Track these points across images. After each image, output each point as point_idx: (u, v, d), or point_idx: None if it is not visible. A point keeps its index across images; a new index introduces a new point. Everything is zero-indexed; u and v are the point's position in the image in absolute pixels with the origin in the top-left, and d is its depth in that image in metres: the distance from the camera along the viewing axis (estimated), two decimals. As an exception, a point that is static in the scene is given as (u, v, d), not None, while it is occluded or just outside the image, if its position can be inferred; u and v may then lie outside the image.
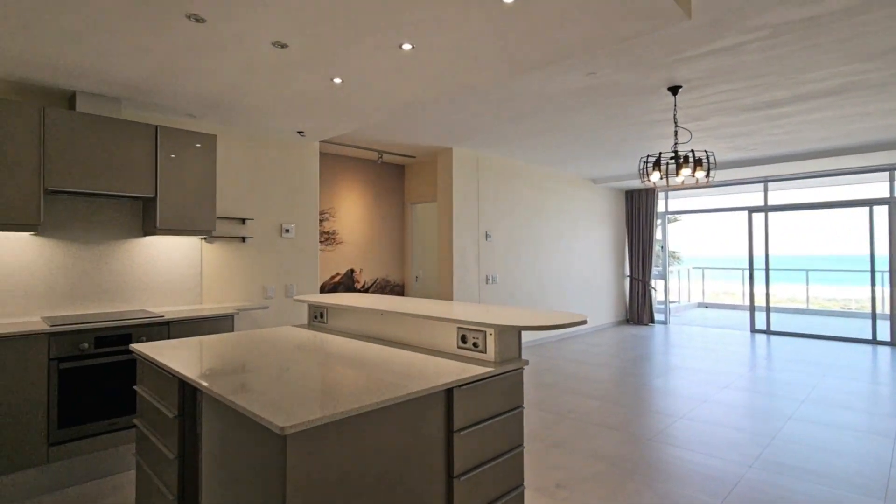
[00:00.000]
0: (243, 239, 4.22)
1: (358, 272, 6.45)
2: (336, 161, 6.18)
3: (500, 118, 4.43)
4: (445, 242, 5.94)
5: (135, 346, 2.19)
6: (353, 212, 6.37)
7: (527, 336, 6.92)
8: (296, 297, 2.98)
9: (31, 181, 2.88)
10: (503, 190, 6.54)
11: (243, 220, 4.23)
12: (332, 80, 3.08)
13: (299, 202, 4.65)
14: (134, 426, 2.98)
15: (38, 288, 3.18)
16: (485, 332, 2.06)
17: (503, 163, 6.53)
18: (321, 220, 6.00)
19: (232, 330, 3.52)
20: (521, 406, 2.07)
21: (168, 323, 3.22)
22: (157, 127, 3.38)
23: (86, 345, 2.88)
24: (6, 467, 2.60)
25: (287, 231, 4.53)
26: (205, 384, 1.60)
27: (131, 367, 3.04)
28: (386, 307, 2.47)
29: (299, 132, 4.34)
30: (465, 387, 1.80)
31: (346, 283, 6.30)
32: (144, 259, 3.64)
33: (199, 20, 2.28)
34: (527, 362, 2.08)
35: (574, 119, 4.50)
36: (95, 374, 2.91)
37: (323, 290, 6.05)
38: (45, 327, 2.74)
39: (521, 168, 6.82)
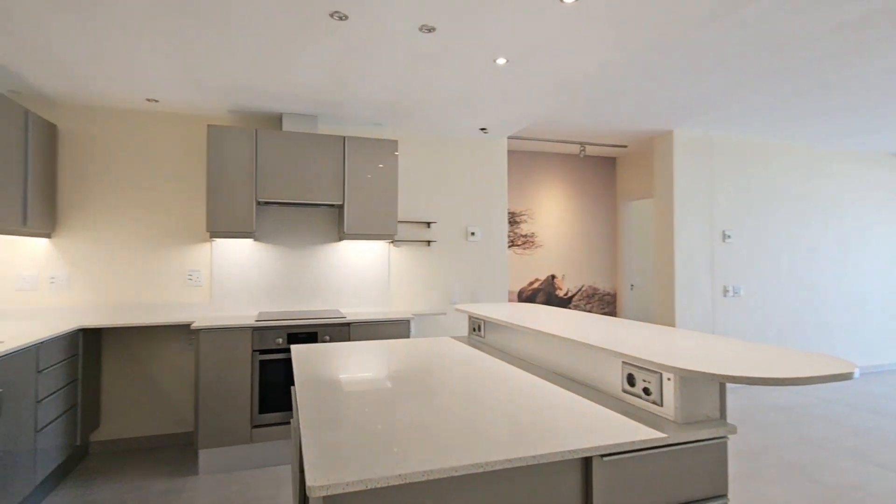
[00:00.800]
0: (428, 243, 4.20)
1: (559, 278, 5.91)
2: (533, 158, 5.79)
3: (739, 81, 3.32)
4: (665, 244, 4.92)
5: (295, 347, 2.21)
6: (553, 212, 5.87)
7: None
8: (456, 307, 2.71)
9: (248, 195, 3.33)
10: (747, 178, 5.10)
11: (428, 224, 4.21)
12: (494, 61, 2.71)
13: (485, 204, 4.42)
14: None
15: (257, 286, 3.69)
16: (660, 375, 1.38)
17: (747, 143, 5.10)
18: (517, 223, 5.70)
19: (408, 335, 3.47)
20: (722, 496, 1.32)
21: (349, 324, 3.33)
22: (344, 138, 3.57)
23: (280, 339, 3.17)
24: (221, 441, 3.01)
25: (472, 234, 4.34)
26: (301, 413, 1.40)
27: (317, 363, 3.24)
28: (535, 323, 1.96)
29: (482, 129, 4.10)
30: (612, 457, 1.19)
31: (547, 290, 5.83)
32: (339, 262, 3.91)
33: (342, 17, 2.20)
34: (733, 429, 1.31)
35: (866, 66, 3.07)
36: (287, 367, 3.17)
37: (520, 297, 5.73)
38: (250, 322, 3.11)
39: (775, 149, 5.23)
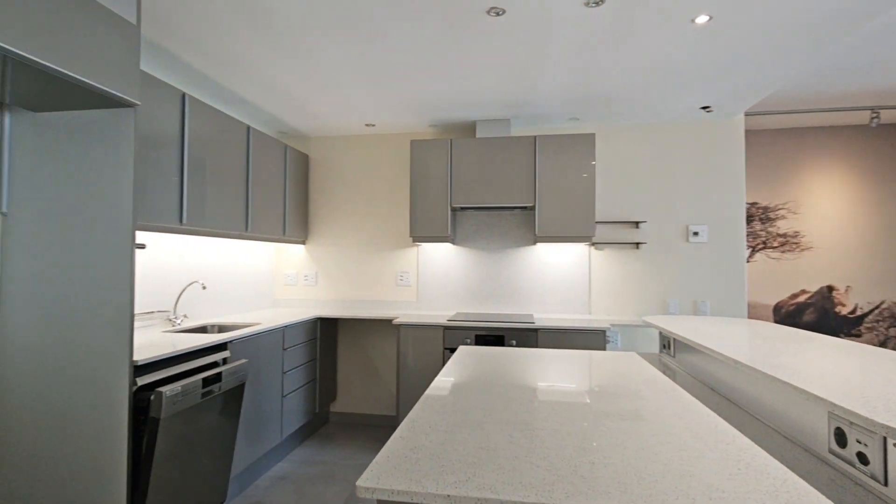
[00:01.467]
0: (636, 245, 3.71)
1: (841, 291, 4.47)
2: (793, 137, 4.54)
3: None
4: None
5: (462, 348, 2.24)
6: (829, 204, 4.49)
7: None
8: (645, 318, 2.30)
9: (443, 202, 3.55)
10: None
11: (636, 224, 3.72)
12: (692, 21, 2.22)
13: (714, 198, 3.66)
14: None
15: (456, 287, 3.88)
16: (883, 439, 0.88)
17: None
18: (771, 219, 4.55)
19: (604, 346, 3.12)
20: None
21: (536, 330, 3.19)
22: (535, 137, 3.47)
23: (468, 340, 3.25)
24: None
25: (695, 234, 3.65)
26: (413, 411, 1.40)
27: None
28: (719, 344, 1.49)
29: (704, 108, 3.42)
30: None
31: (821, 305, 4.48)
32: (535, 265, 3.79)
33: (498, 13, 2.13)
34: None
35: None
36: (475, 369, 3.23)
37: (776, 313, 4.55)
38: (443, 321, 3.29)
39: None
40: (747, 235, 4.62)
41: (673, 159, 3.73)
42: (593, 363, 1.94)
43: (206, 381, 2.17)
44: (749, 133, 4.59)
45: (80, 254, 1.87)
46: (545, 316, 3.67)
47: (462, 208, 3.62)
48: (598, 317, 3.69)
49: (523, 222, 3.85)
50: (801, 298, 4.54)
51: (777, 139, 4.56)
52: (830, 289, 4.51)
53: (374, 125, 3.83)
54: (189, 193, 2.59)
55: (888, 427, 0.83)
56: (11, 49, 1.40)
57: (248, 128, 3.18)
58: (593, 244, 3.76)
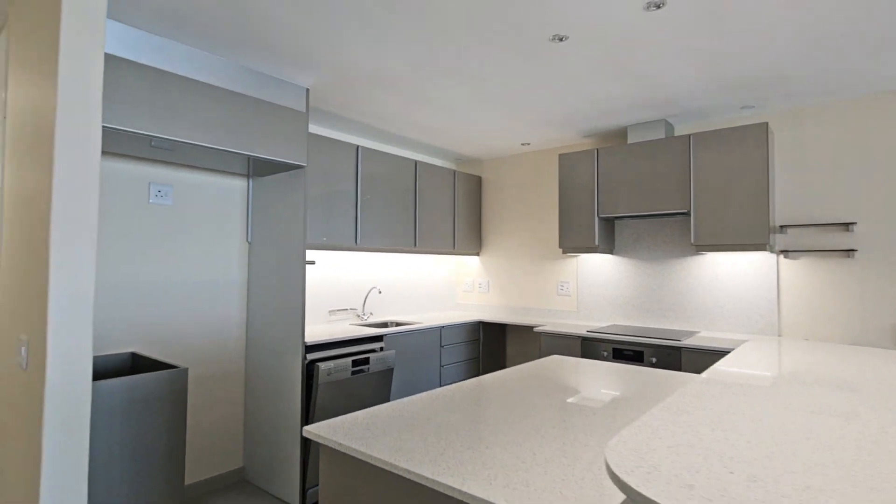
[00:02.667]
0: (848, 252, 2.90)
1: None
2: None
3: None
4: None
5: (551, 358, 2.39)
6: None
7: None
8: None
9: (589, 212, 3.54)
10: None
11: (846, 226, 2.91)
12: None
13: (981, 183, 2.58)
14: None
15: (615, 298, 3.75)
16: None
17: None
18: None
19: (768, 376, 2.61)
20: None
21: (680, 349, 2.90)
22: (690, 136, 3.13)
23: (605, 353, 3.18)
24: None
25: (945, 237, 2.64)
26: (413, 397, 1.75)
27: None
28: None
29: (941, 64, 2.48)
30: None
31: None
32: (701, 278, 3.36)
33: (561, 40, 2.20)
34: None
35: None
36: (613, 383, 3.14)
37: None
38: (582, 332, 3.31)
39: None
40: None
41: (891, 140, 2.78)
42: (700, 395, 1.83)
43: (356, 363, 2.88)
44: None
45: (280, 267, 2.83)
46: (713, 335, 3.23)
47: (616, 217, 3.52)
48: (788, 340, 3.04)
49: (682, 229, 3.47)
50: None
51: None
52: None
53: (528, 143, 4.07)
54: (361, 220, 3.42)
55: None
56: (253, 154, 2.36)
57: (416, 163, 3.89)
58: (783, 252, 3.12)
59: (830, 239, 2.98)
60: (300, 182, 2.74)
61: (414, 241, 3.84)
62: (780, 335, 3.11)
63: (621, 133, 3.75)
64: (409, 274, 4.28)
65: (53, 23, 1.53)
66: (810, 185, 3.06)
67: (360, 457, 1.19)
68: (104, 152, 2.40)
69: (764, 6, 1.98)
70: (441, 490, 1.01)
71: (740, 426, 1.10)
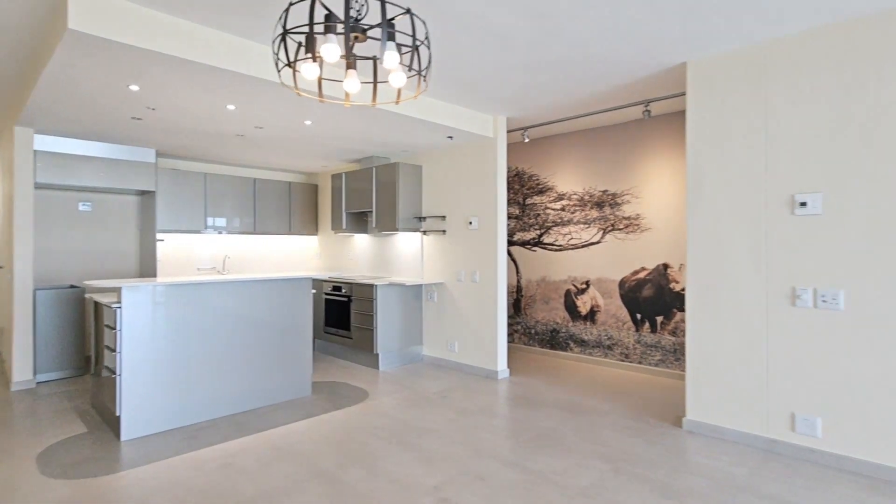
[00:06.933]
0: (444, 231, 5.38)
1: (675, 269, 4.80)
2: (637, 130, 5.01)
3: None
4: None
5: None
6: (661, 190, 4.85)
7: None
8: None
9: (339, 207, 6.11)
10: (843, 103, 2.75)
11: (443, 218, 5.38)
12: (304, 123, 4.32)
13: (481, 197, 5.00)
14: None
15: (356, 258, 6.34)
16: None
17: (860, 44, 2.74)
18: (619, 204, 5.17)
19: (420, 297, 5.17)
20: None
21: (373, 286, 5.49)
22: (373, 168, 5.64)
23: (329, 287, 5.80)
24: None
25: (470, 224, 5.08)
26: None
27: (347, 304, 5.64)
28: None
29: (449, 137, 4.89)
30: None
31: (657, 281, 4.92)
32: (398, 247, 5.90)
33: (251, 131, 4.77)
34: None
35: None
36: (333, 306, 5.76)
37: (622, 287, 5.15)
38: (324, 277, 5.93)
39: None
40: (599, 219, 5.32)
41: (461, 168, 5.21)
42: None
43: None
44: (601, 128, 5.24)
45: (149, 243, 5.63)
46: (399, 278, 5.78)
47: (351, 212, 6.09)
48: (423, 280, 5.56)
49: (379, 220, 6.00)
50: (641, 275, 5.02)
51: (625, 133, 5.08)
52: (666, 266, 4.86)
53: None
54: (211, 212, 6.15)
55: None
56: (132, 187, 5.15)
57: (255, 180, 6.56)
58: (423, 232, 5.61)
59: (438, 224, 5.46)
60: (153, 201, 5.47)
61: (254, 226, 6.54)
62: (422, 278, 5.62)
63: (363, 160, 6.28)
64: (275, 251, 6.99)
65: None
66: (432, 196, 5.52)
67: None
68: (50, 186, 5.21)
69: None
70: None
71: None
